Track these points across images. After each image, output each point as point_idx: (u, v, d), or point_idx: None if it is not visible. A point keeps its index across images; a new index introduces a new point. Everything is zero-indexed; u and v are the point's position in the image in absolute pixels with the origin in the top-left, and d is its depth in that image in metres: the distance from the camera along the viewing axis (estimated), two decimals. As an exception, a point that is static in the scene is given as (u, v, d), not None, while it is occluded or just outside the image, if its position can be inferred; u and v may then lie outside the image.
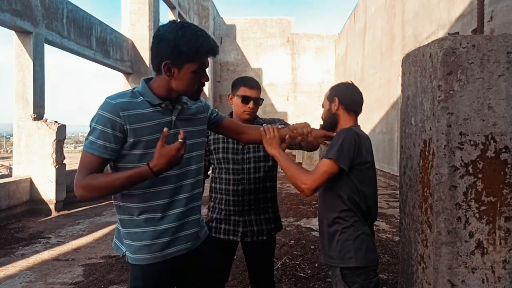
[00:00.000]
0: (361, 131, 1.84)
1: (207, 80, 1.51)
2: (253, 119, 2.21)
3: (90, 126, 1.43)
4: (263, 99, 2.26)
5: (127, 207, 1.51)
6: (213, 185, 2.26)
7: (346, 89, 1.91)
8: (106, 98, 1.45)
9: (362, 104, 1.92)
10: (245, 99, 2.13)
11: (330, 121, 1.92)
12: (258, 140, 1.87)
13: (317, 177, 1.68)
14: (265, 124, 1.88)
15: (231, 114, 2.28)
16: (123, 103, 1.43)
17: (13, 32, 6.79)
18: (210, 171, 2.32)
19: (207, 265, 1.68)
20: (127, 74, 11.14)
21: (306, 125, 1.89)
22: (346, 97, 1.88)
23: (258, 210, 2.19)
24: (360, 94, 1.92)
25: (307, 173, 1.73)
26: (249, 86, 2.16)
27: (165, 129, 1.39)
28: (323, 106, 1.98)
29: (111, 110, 1.41)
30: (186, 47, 1.40)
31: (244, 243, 2.21)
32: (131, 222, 1.51)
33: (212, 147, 2.21)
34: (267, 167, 2.19)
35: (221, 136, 2.17)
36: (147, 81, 1.54)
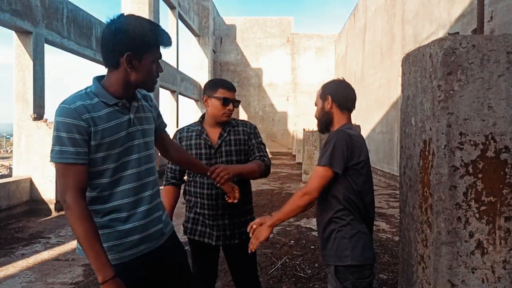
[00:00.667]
0: (354, 129, 1.83)
1: (162, 70, 1.54)
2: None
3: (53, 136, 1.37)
4: (239, 101, 2.25)
5: (92, 209, 1.46)
6: (187, 188, 2.24)
7: (338, 86, 1.89)
8: (61, 104, 1.39)
9: (355, 100, 1.91)
10: (225, 101, 2.11)
11: (324, 120, 1.91)
12: (181, 164, 1.95)
13: (314, 184, 1.70)
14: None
15: (203, 117, 2.25)
16: (82, 106, 1.38)
17: (13, 32, 6.79)
18: (185, 176, 2.31)
19: (171, 262, 1.68)
20: (127, 74, 11.14)
21: (223, 173, 1.85)
22: (339, 95, 1.86)
23: (232, 214, 2.16)
24: (353, 90, 1.91)
25: (303, 188, 1.75)
26: (228, 88, 2.14)
27: None
28: (316, 105, 1.96)
29: (72, 115, 1.35)
30: (146, 37, 1.41)
31: (220, 246, 2.19)
32: (97, 223, 1.47)
33: (190, 152, 2.19)
34: None
35: (192, 142, 2.17)
36: (99, 79, 1.50)
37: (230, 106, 2.13)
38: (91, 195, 1.46)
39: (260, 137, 2.29)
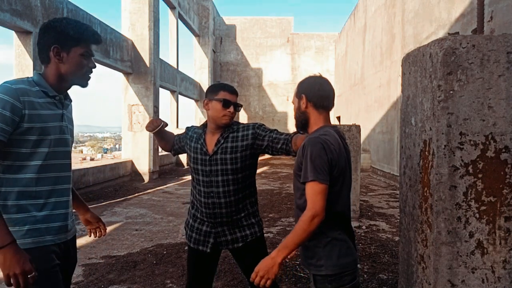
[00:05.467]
0: (329, 132, 1.68)
1: (94, 66, 1.67)
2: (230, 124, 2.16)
3: None
4: (241, 105, 2.22)
5: (11, 192, 1.52)
6: (192, 189, 2.24)
7: (313, 85, 1.76)
8: (5, 82, 1.51)
9: (332, 97, 1.78)
10: (226, 103, 2.08)
11: (301, 120, 1.80)
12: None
13: (318, 203, 1.56)
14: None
15: (205, 123, 2.22)
16: (23, 89, 1.50)
17: (13, 32, 6.79)
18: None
19: (71, 259, 1.75)
20: (127, 74, 11.14)
21: None
22: (314, 93, 1.74)
23: (231, 221, 2.13)
24: (329, 86, 1.77)
25: (307, 211, 1.59)
26: (229, 91, 2.12)
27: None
28: (293, 103, 1.86)
29: (12, 94, 1.46)
30: (72, 31, 1.56)
31: (217, 254, 2.18)
32: (13, 207, 1.51)
33: (189, 154, 2.21)
34: (237, 179, 2.11)
35: (193, 144, 2.17)
36: (40, 73, 1.63)
37: (231, 109, 2.09)
38: (19, 176, 1.52)
39: (269, 128, 2.20)
